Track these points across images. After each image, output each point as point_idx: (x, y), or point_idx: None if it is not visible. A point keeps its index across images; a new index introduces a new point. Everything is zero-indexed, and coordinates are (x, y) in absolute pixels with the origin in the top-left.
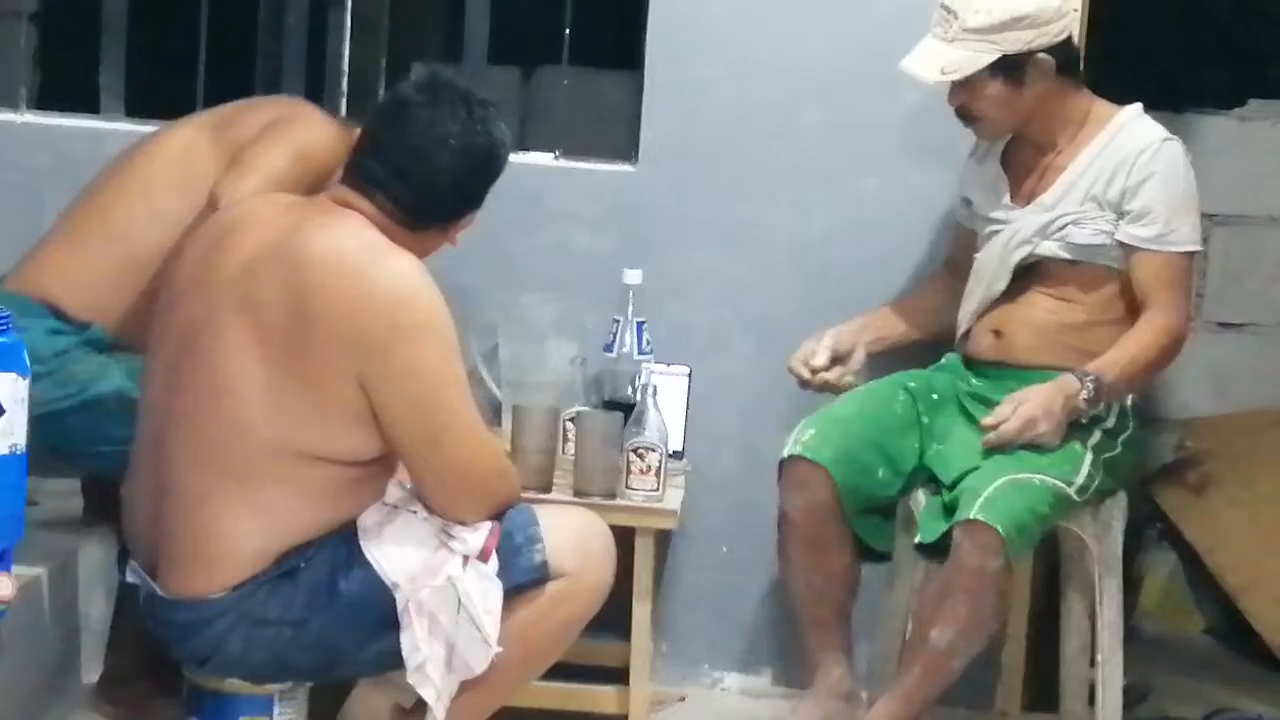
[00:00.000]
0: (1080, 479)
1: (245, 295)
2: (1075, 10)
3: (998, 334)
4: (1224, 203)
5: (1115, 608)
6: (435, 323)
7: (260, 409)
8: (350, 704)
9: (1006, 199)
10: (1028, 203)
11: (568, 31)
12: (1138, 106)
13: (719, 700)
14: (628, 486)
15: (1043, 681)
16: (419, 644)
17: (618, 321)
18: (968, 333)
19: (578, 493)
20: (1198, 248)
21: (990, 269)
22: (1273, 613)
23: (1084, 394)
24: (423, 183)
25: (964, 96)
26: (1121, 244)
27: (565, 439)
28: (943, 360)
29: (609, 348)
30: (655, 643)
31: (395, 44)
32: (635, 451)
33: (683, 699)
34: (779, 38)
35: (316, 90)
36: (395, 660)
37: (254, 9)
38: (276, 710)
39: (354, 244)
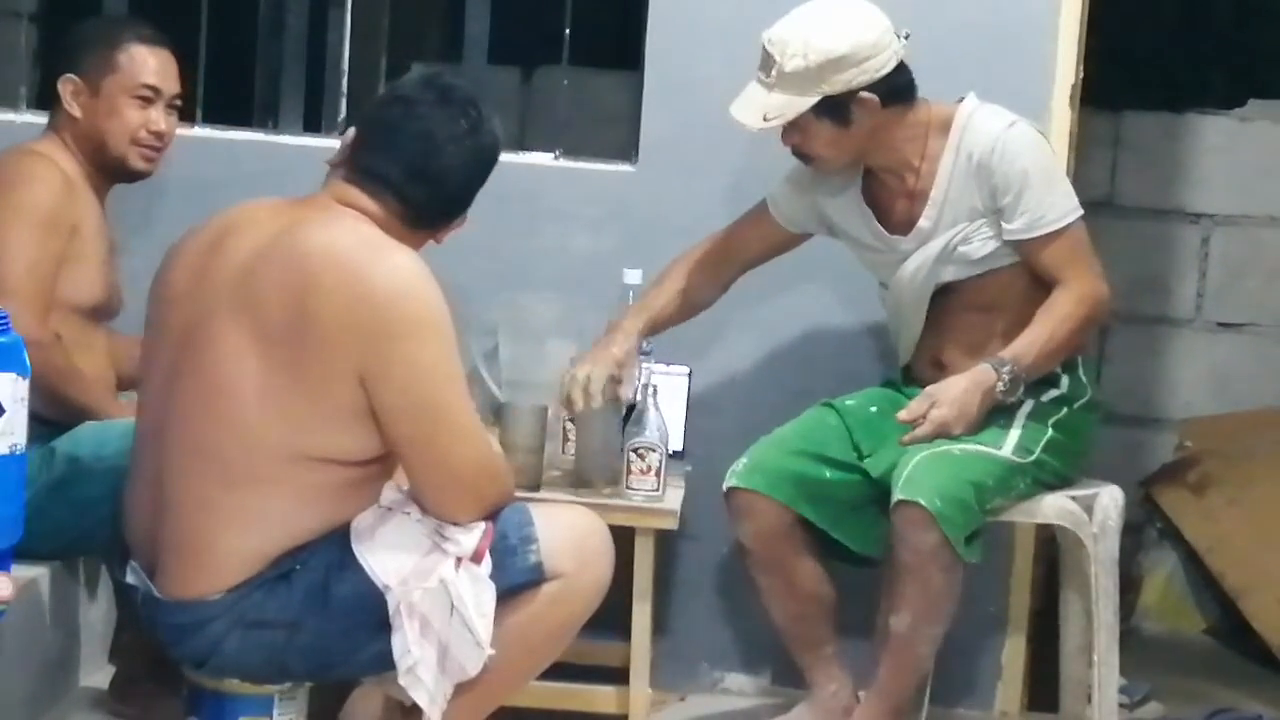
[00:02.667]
0: (1011, 443)
1: (243, 296)
2: (903, 37)
3: (939, 364)
4: (1224, 203)
5: (1111, 608)
6: (434, 319)
7: (259, 410)
8: (351, 704)
9: (879, 229)
10: (907, 231)
11: (568, 31)
12: (970, 100)
13: (719, 700)
14: (628, 486)
15: (1043, 681)
16: (410, 646)
17: None
18: (909, 364)
19: (580, 485)
20: (1078, 212)
21: (908, 309)
22: (1273, 613)
23: (1000, 385)
24: (438, 183)
25: (795, 139)
26: (1009, 242)
27: (566, 439)
28: (885, 380)
29: None
30: (655, 643)
31: (395, 44)
32: (635, 451)
33: (683, 699)
34: None
35: (317, 90)
36: (391, 662)
37: (254, 9)
38: (276, 710)
39: (351, 240)
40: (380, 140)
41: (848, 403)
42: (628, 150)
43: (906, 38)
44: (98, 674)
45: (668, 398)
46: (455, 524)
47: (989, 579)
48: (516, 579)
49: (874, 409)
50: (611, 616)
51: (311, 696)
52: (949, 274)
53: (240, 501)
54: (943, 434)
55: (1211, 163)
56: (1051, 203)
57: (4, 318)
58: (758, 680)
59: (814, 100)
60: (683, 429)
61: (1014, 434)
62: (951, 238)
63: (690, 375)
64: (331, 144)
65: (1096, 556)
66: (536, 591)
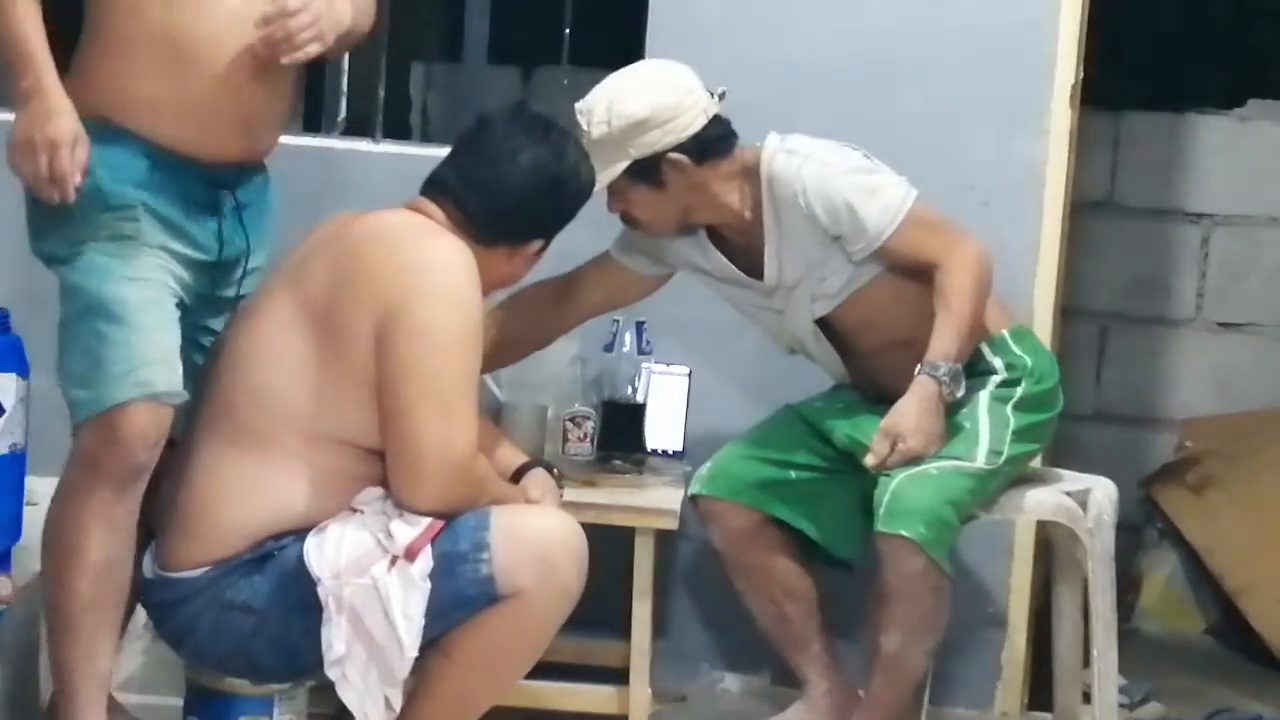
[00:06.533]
0: (984, 448)
1: (298, 273)
2: (709, 96)
3: (878, 384)
4: (1224, 203)
5: (1108, 603)
6: (455, 296)
7: (286, 379)
8: None
9: (735, 272)
10: (759, 278)
11: (568, 31)
12: (770, 140)
13: (719, 700)
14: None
15: (1043, 681)
16: (333, 640)
17: (618, 321)
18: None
19: None
20: (910, 195)
21: (814, 352)
22: (1273, 613)
23: (945, 390)
24: (488, 191)
25: (617, 204)
26: (865, 260)
27: (566, 438)
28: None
29: (609, 348)
30: (655, 643)
31: (395, 44)
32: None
33: (683, 699)
34: (779, 38)
35: (317, 90)
36: None
37: None
38: (276, 710)
39: (401, 221)
40: (451, 156)
41: (815, 404)
42: None
43: (722, 97)
44: None
45: (668, 398)
46: (415, 510)
47: (989, 579)
48: (466, 590)
49: (840, 405)
50: (611, 616)
51: (311, 698)
52: (821, 309)
53: (246, 467)
54: (914, 460)
55: (1211, 163)
56: (881, 208)
57: (4, 316)
58: (758, 680)
59: (624, 165)
60: (683, 429)
61: (983, 439)
62: (810, 282)
63: (690, 375)
64: (331, 144)
65: (1093, 551)
66: (492, 613)
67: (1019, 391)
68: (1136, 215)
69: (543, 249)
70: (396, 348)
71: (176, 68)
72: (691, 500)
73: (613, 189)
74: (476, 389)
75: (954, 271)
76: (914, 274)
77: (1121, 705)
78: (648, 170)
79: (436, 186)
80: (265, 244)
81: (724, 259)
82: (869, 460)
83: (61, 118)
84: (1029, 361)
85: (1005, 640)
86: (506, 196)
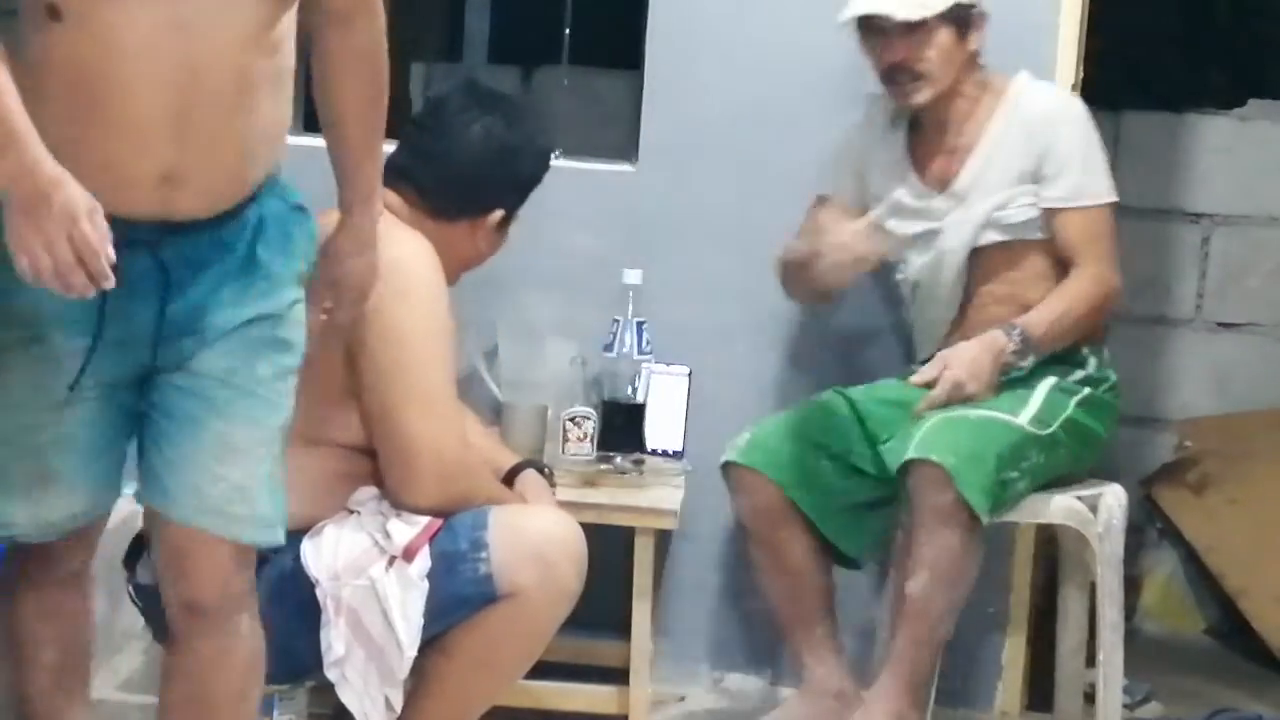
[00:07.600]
0: (1030, 412)
1: None
2: None
3: None
4: (1224, 203)
5: (1116, 607)
6: (423, 294)
7: None
8: None
9: (916, 181)
10: (941, 188)
11: (568, 31)
12: (1026, 74)
13: (719, 700)
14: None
15: (1043, 681)
16: (332, 641)
17: (618, 321)
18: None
19: None
20: (1113, 197)
21: (944, 289)
22: (1273, 613)
23: (1011, 346)
24: (441, 164)
25: (907, 50)
26: (1045, 210)
27: (566, 438)
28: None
29: (609, 348)
30: (655, 643)
31: (395, 44)
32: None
33: (683, 699)
34: (779, 38)
35: None
36: None
37: None
38: (276, 711)
39: None
40: (405, 137)
41: (854, 394)
42: (628, 150)
43: None
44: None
45: (668, 398)
46: (415, 510)
47: (989, 579)
48: (465, 589)
49: (888, 401)
50: (611, 616)
51: (311, 698)
52: (986, 238)
53: None
54: (957, 395)
55: (1211, 163)
56: (1093, 180)
57: None
58: (758, 680)
59: (949, 3)
60: (683, 429)
61: (1034, 404)
62: (994, 201)
63: (690, 375)
64: None
65: (1102, 556)
66: (491, 612)
67: (1089, 390)
68: (1136, 215)
69: (505, 223)
70: (371, 352)
71: (80, 107)
72: (724, 467)
73: (922, 27)
74: (454, 379)
75: (1088, 278)
76: (1065, 265)
77: (1122, 705)
78: (961, 16)
79: (392, 172)
80: (226, 305)
81: (913, 171)
82: (915, 379)
83: (65, 185)
84: (1113, 378)
85: (1005, 640)
86: (459, 166)
